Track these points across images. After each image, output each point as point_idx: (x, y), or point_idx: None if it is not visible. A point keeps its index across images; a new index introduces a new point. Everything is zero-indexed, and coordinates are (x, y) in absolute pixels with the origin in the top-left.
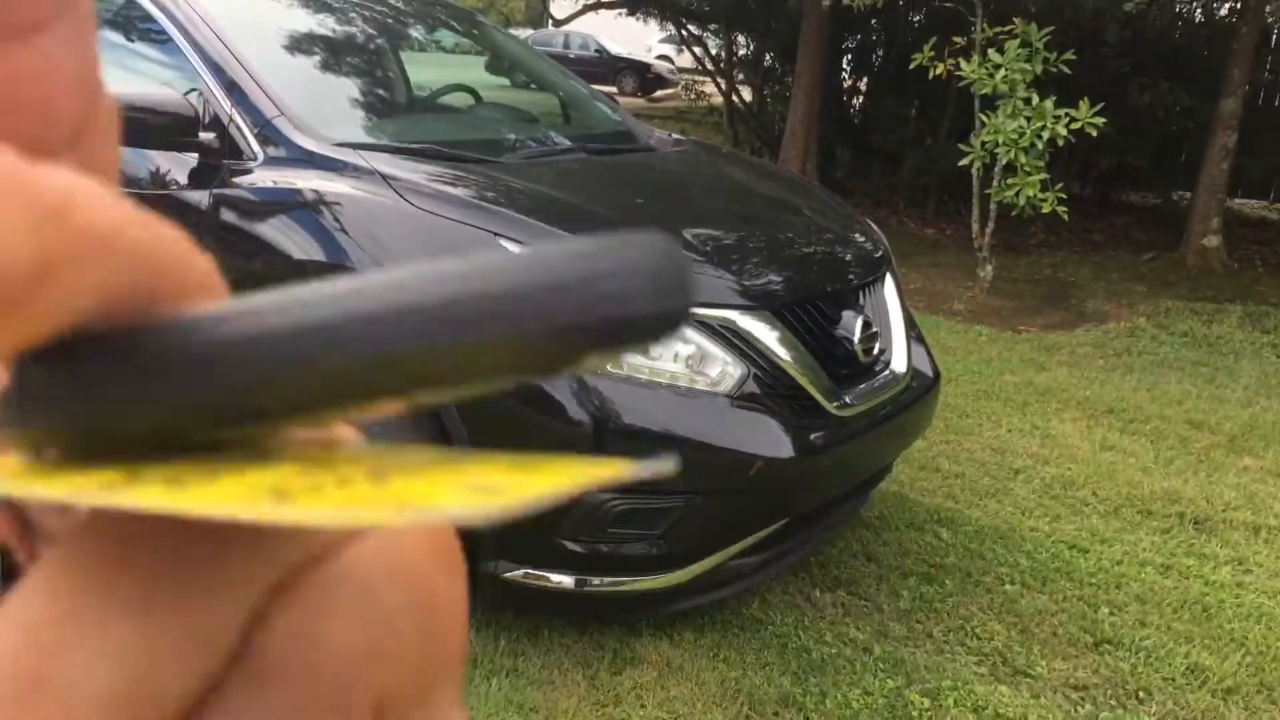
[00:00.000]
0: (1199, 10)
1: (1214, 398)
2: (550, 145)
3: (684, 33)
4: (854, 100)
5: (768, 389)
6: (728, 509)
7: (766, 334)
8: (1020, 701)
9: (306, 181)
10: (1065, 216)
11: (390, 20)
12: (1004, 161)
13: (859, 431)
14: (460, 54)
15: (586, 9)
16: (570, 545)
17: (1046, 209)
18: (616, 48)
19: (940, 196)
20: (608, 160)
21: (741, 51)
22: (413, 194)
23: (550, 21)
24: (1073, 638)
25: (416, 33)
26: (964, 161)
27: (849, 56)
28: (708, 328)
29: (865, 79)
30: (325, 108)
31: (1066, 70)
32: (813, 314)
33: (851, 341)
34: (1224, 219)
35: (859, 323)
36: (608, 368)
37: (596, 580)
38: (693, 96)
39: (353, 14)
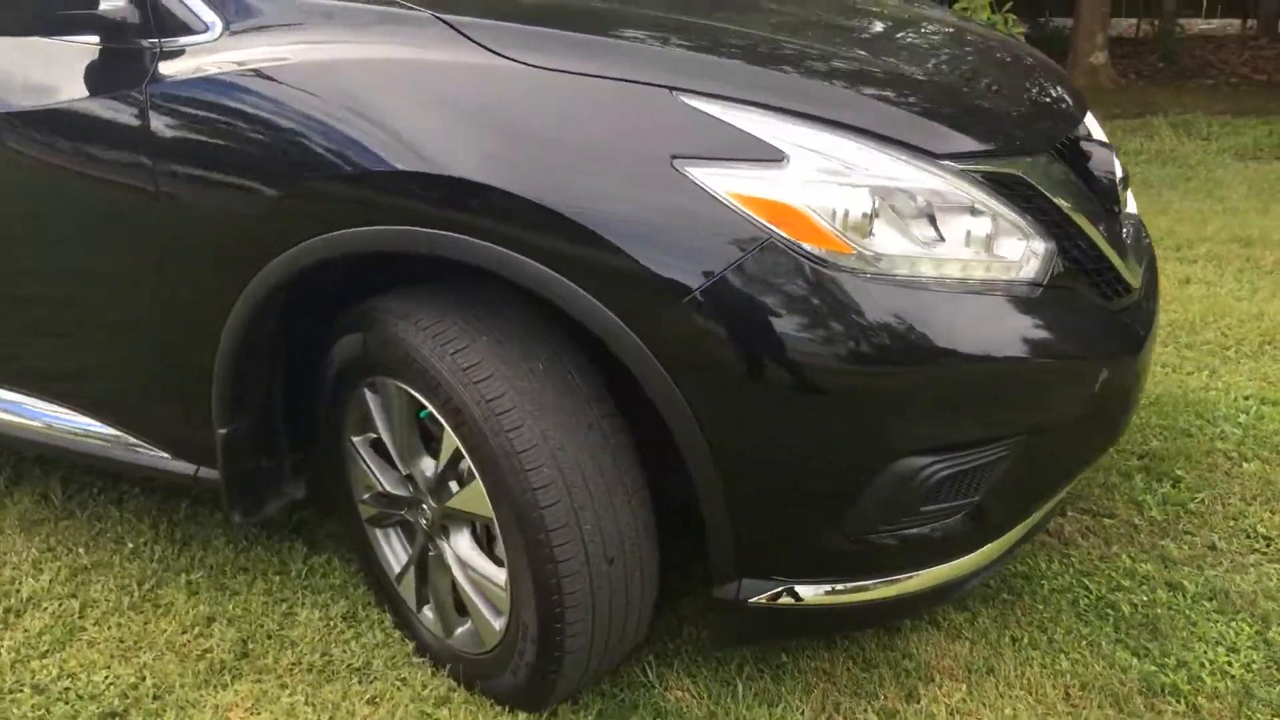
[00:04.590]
0: None
1: (1233, 210)
2: None
3: None
4: None
5: (1077, 266)
6: (1060, 446)
7: (1059, 188)
8: None
9: (312, 52)
10: None
11: None
12: None
13: (1152, 317)
14: None
15: None
16: (850, 542)
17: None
18: None
19: None
20: None
21: None
22: (513, 46)
23: None
24: None
25: None
26: None
27: None
28: (999, 186)
29: None
30: None
31: None
32: (1076, 162)
33: (1116, 195)
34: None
35: (1119, 170)
36: (853, 265)
37: (870, 582)
38: None
39: None
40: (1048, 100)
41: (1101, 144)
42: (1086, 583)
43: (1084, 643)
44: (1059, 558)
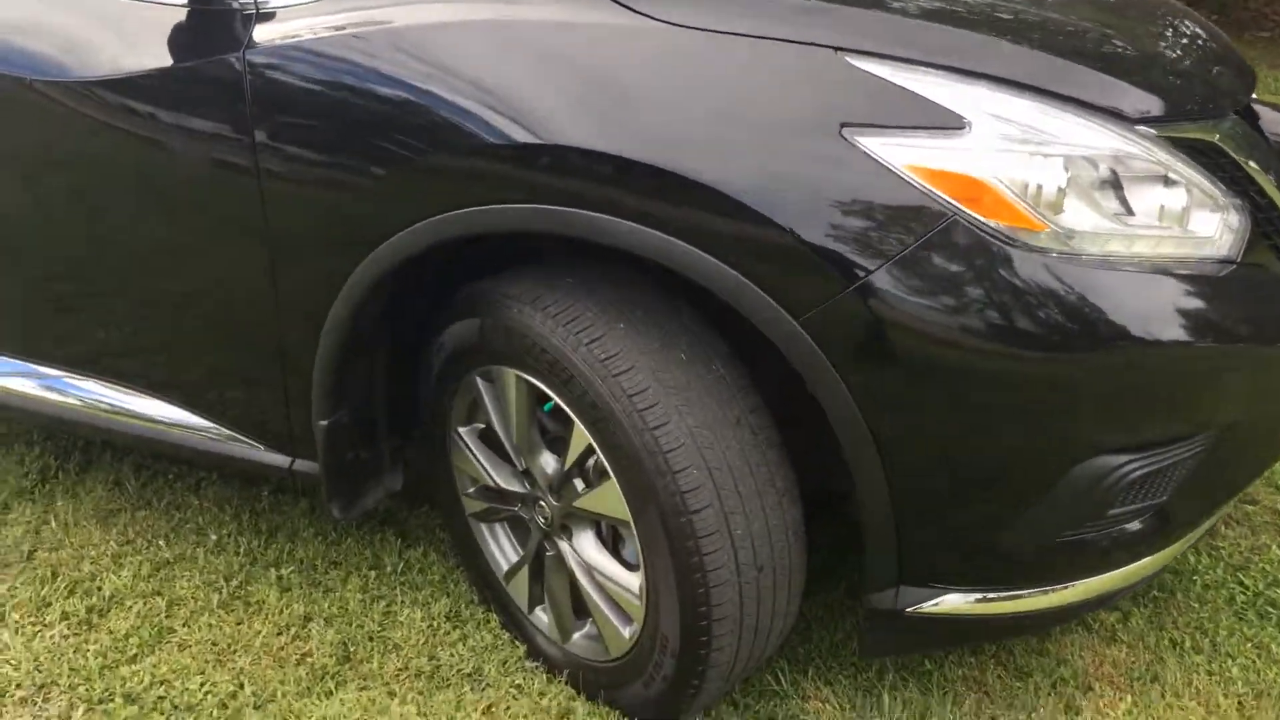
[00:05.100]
0: None
1: None
2: None
3: None
4: None
5: (1265, 238)
6: (1254, 440)
7: (1248, 154)
8: None
9: (430, 12)
10: None
11: None
12: None
13: None
14: None
15: None
16: (1025, 548)
17: None
18: None
19: None
20: None
21: None
22: (657, 3)
23: None
24: None
25: None
26: None
27: None
28: (1192, 152)
29: None
30: None
31: None
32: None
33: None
34: None
35: None
36: (1043, 244)
37: (1026, 591)
38: None
39: None
40: (1225, 58)
41: (1271, 105)
42: (1241, 578)
43: (1249, 645)
44: (1207, 550)
